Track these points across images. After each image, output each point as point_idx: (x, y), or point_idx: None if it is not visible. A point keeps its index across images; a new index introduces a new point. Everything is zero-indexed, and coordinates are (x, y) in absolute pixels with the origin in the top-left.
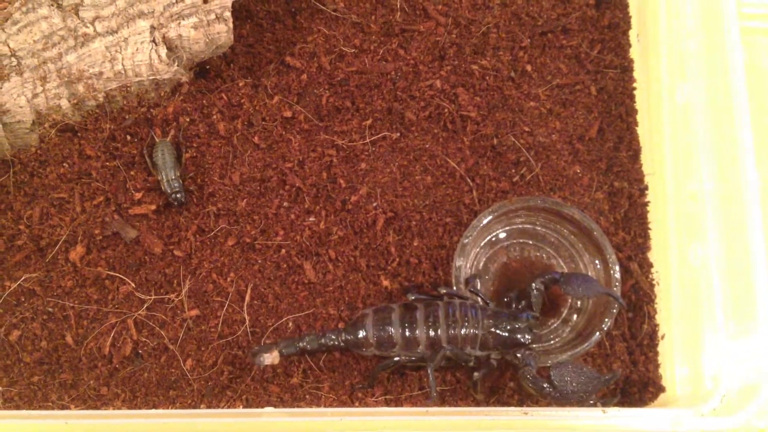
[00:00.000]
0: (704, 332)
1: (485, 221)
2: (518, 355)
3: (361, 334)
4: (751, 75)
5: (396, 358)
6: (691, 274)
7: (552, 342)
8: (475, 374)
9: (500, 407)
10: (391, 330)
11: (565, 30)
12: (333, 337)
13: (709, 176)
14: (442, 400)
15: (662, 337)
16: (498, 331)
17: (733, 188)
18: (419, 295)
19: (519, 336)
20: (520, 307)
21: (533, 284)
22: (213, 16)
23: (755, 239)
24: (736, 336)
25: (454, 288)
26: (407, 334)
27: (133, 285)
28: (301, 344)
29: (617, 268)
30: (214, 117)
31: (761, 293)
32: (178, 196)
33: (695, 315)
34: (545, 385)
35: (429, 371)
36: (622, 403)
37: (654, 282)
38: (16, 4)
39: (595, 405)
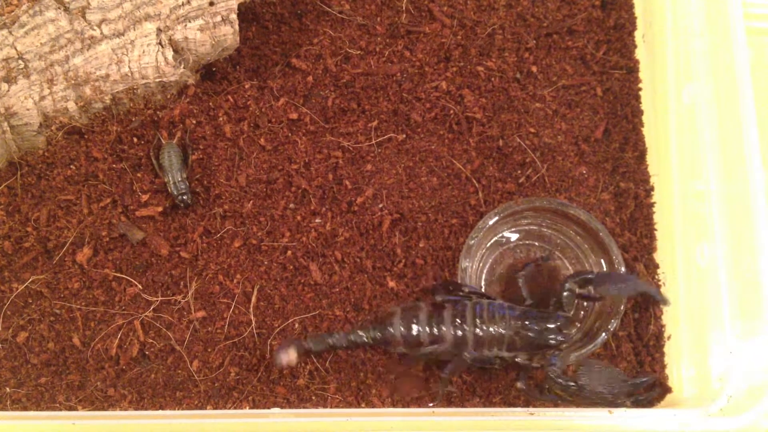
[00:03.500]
0: (711, 332)
1: (491, 222)
2: (545, 355)
3: (390, 331)
4: (757, 75)
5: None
6: (697, 275)
7: None
8: (518, 384)
9: (506, 407)
10: (419, 328)
11: (570, 31)
12: (361, 333)
13: (716, 176)
14: (449, 401)
15: (669, 337)
16: (526, 332)
17: (739, 188)
18: (447, 296)
19: (549, 337)
20: (550, 307)
21: (566, 284)
22: (219, 19)
23: (762, 239)
24: (743, 336)
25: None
26: (435, 332)
27: (139, 286)
28: (330, 340)
29: (623, 269)
30: (221, 119)
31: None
32: (185, 197)
33: (702, 315)
34: (572, 385)
35: (446, 372)
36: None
37: (660, 283)
38: (23, 7)
39: (625, 405)
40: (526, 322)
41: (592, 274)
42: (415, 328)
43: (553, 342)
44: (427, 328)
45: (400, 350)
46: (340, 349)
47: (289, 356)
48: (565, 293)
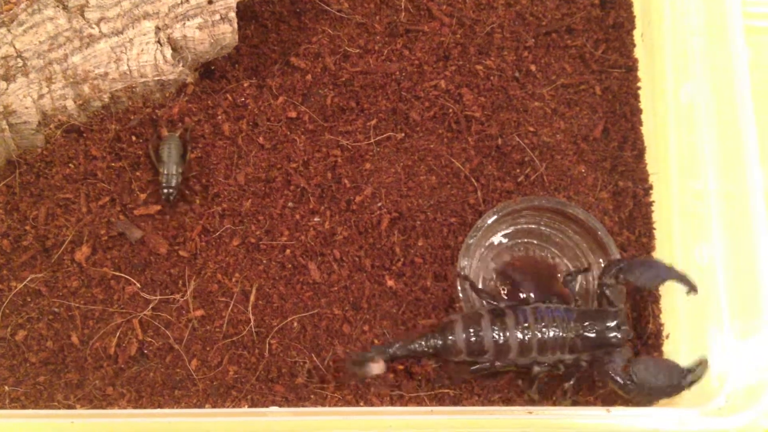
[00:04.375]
0: (709, 331)
1: (490, 221)
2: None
3: (451, 340)
4: (755, 74)
5: (487, 364)
6: (696, 274)
7: None
8: (566, 384)
9: (504, 406)
10: (482, 336)
11: (569, 30)
12: (422, 342)
13: (714, 175)
14: (448, 400)
15: (667, 336)
16: (588, 333)
17: (737, 187)
18: (504, 303)
19: (610, 335)
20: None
21: (604, 280)
22: (218, 17)
23: (760, 238)
24: (741, 335)
25: (459, 289)
26: (500, 340)
27: (138, 285)
28: (391, 350)
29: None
30: (219, 117)
31: (766, 292)
32: (170, 193)
33: (700, 314)
34: (628, 383)
35: (534, 373)
36: (627, 402)
37: None
38: (22, 5)
39: (682, 390)
40: (586, 323)
41: (623, 262)
42: (479, 335)
43: (614, 340)
44: (491, 334)
45: (461, 359)
46: (401, 358)
47: (380, 365)
48: (606, 289)
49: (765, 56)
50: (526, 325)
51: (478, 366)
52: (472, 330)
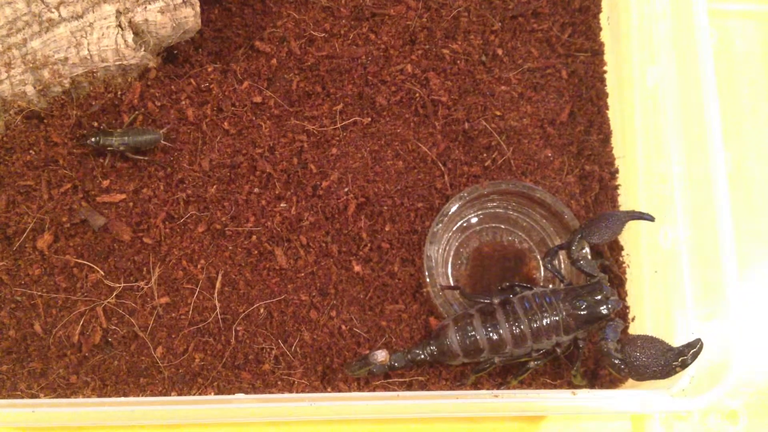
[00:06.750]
0: (674, 314)
1: (457, 206)
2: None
3: (447, 343)
4: (722, 58)
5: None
6: (661, 257)
7: None
8: (574, 369)
9: (471, 390)
10: (476, 336)
11: (535, 13)
12: (418, 351)
13: (679, 159)
14: (417, 386)
15: (633, 319)
16: (577, 311)
17: (702, 171)
18: (495, 297)
19: (600, 308)
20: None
21: (573, 256)
22: (179, 0)
23: (724, 221)
24: (705, 317)
25: (426, 275)
26: (493, 336)
27: (101, 273)
28: (388, 363)
29: (588, 250)
30: (183, 103)
31: (729, 275)
32: (92, 139)
33: (665, 297)
34: (616, 361)
35: (531, 367)
36: (593, 385)
37: (625, 265)
38: None
39: (675, 371)
40: (575, 301)
41: (581, 230)
42: (472, 335)
43: (605, 311)
44: (484, 332)
45: (459, 362)
46: (400, 369)
47: (377, 356)
48: (579, 263)
49: (730, 39)
50: (516, 316)
51: (479, 366)
52: (464, 331)
